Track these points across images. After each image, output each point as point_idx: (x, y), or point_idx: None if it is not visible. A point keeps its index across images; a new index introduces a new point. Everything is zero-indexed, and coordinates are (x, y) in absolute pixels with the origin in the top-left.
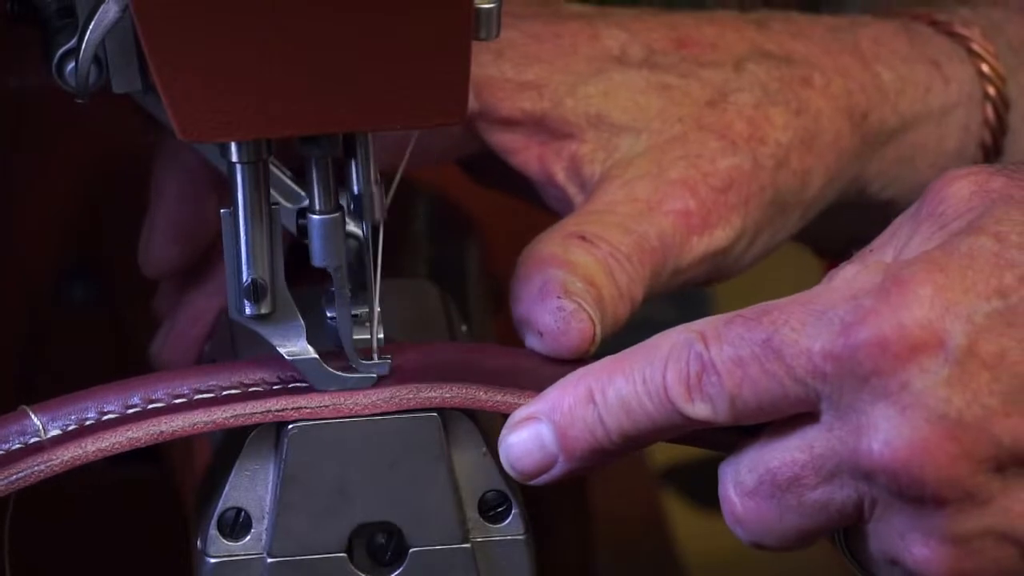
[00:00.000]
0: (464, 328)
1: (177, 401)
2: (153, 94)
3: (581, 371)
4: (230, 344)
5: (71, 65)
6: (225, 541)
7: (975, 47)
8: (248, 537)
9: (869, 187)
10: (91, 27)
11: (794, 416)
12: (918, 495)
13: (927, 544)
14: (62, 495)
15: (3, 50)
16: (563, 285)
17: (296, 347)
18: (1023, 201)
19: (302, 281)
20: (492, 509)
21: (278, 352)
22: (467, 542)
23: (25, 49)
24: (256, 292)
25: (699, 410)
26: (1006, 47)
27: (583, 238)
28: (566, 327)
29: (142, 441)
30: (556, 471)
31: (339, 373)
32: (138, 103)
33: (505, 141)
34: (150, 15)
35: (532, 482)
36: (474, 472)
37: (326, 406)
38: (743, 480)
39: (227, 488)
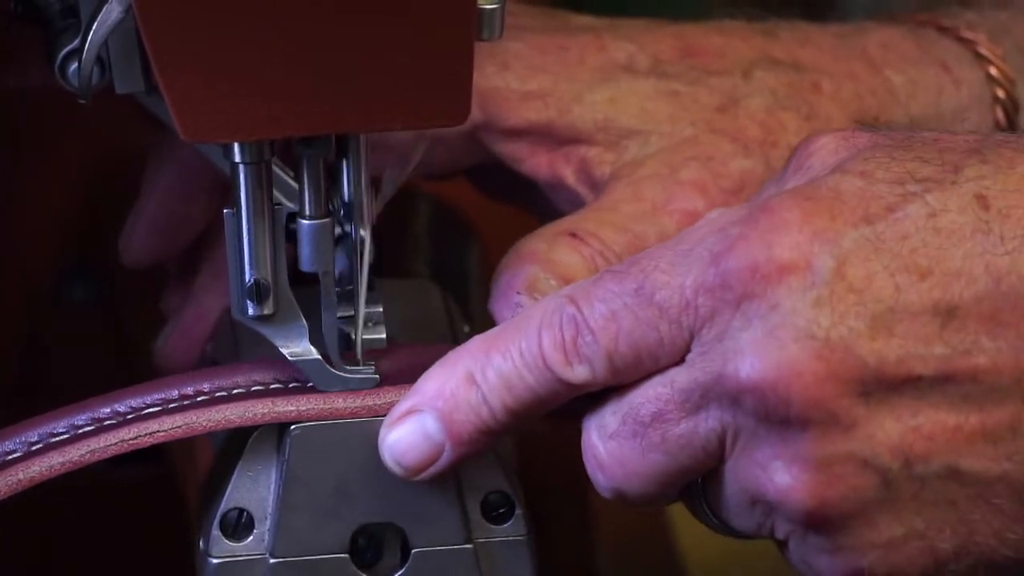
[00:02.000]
0: (466, 329)
1: (34, 448)
2: (156, 95)
3: (455, 354)
4: (232, 343)
5: (74, 65)
6: (228, 542)
7: (982, 51)
8: (250, 538)
9: None
10: (94, 28)
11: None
12: (783, 416)
13: (789, 470)
14: (64, 496)
15: (5, 50)
16: (530, 282)
17: (299, 348)
18: (888, 146)
19: (305, 280)
20: (495, 510)
21: (280, 353)
22: (469, 543)
23: (27, 49)
24: (259, 293)
25: (579, 373)
26: (1013, 49)
27: (573, 235)
28: None
29: (2, 492)
30: (443, 460)
31: (341, 374)
32: (141, 104)
33: (512, 150)
34: (153, 16)
35: (418, 477)
36: (476, 473)
37: (178, 427)
38: (606, 423)
39: (229, 489)
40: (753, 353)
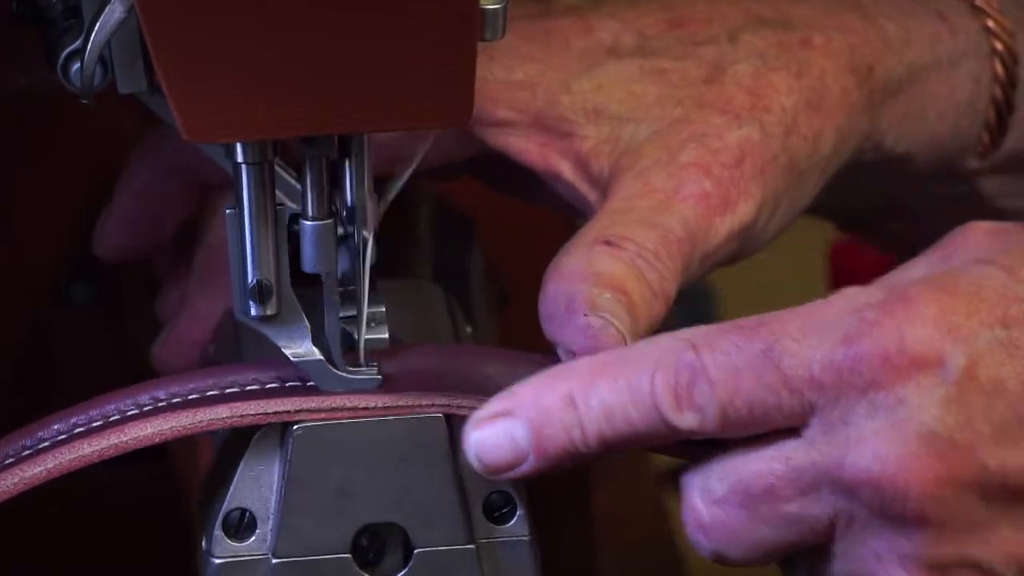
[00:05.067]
0: (468, 330)
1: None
2: (158, 95)
3: (560, 370)
4: (235, 345)
5: (76, 65)
6: (230, 542)
7: (979, 3)
8: (253, 538)
9: (884, 141)
10: (97, 28)
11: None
12: (899, 512)
13: (903, 566)
14: (64, 496)
15: (6, 50)
16: (589, 300)
17: (301, 348)
18: None
19: (307, 281)
20: (497, 510)
21: (283, 353)
22: (472, 543)
23: (28, 49)
24: (261, 293)
25: (687, 420)
26: (1011, 2)
27: (608, 243)
28: (596, 344)
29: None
30: (524, 468)
31: (343, 374)
32: (143, 104)
33: (505, 142)
34: (155, 16)
35: (494, 477)
36: (479, 473)
37: (101, 448)
38: (712, 488)
39: (232, 489)
40: (875, 445)
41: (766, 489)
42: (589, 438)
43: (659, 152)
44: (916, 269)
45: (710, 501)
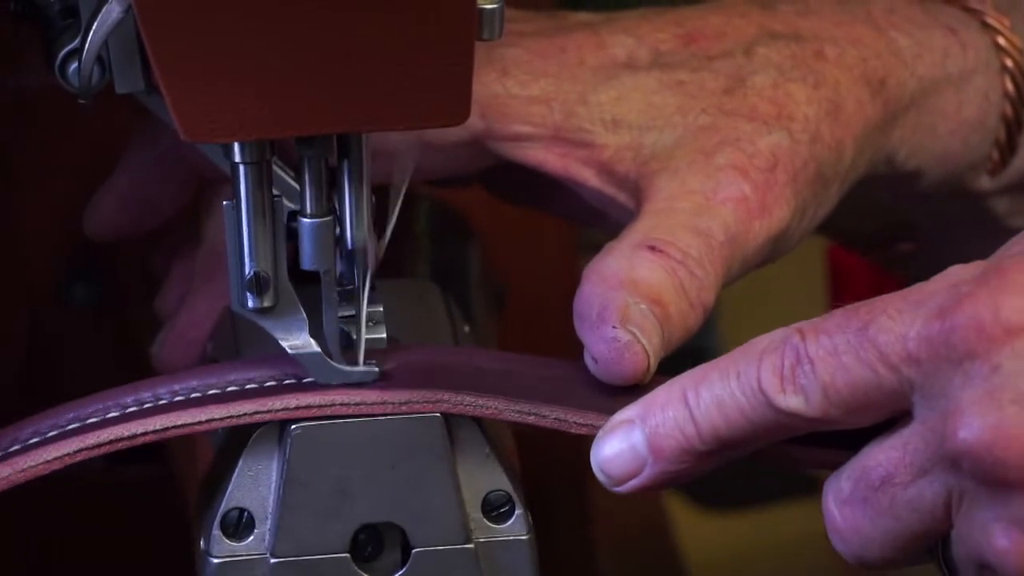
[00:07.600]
0: (467, 329)
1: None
2: (156, 95)
3: (678, 377)
4: (233, 342)
5: (74, 65)
6: (228, 541)
7: (989, 20)
8: (251, 537)
9: (896, 156)
10: (94, 28)
11: (895, 421)
12: (1001, 479)
13: (1007, 534)
14: (63, 495)
15: (4, 50)
16: (621, 312)
17: (298, 340)
18: None
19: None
20: (495, 509)
21: (281, 347)
22: (470, 542)
23: (26, 49)
24: (259, 285)
25: (791, 402)
26: (1021, 21)
27: (652, 248)
28: (619, 358)
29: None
30: (645, 474)
31: (341, 367)
32: (141, 103)
33: (525, 155)
34: (153, 16)
35: (620, 489)
36: (477, 472)
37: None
38: (841, 487)
39: (230, 488)
40: (970, 414)
41: (884, 478)
42: (702, 432)
43: (692, 154)
44: (1017, 246)
45: (839, 501)
